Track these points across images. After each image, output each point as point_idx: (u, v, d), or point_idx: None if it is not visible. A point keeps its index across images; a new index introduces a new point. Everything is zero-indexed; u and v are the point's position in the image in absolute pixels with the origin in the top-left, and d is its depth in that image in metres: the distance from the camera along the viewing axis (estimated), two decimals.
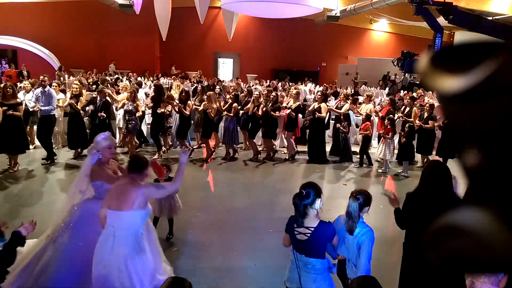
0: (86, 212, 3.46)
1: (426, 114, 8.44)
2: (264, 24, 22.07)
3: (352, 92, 14.82)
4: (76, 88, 7.94)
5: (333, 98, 12.32)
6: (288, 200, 6.90)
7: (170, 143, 9.34)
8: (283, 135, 9.51)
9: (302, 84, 17.92)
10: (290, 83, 16.54)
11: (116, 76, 15.61)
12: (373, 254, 3.01)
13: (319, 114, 8.41)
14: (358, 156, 8.75)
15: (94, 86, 10.17)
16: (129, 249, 2.88)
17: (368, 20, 22.86)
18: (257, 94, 8.75)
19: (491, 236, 0.42)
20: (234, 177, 7.62)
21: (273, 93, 8.82)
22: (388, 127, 8.01)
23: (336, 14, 17.46)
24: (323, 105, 8.51)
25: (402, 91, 16.96)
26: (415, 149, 8.37)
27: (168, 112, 8.58)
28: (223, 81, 16.42)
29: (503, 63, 0.41)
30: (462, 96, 0.43)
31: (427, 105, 8.79)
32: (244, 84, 15.07)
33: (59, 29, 18.99)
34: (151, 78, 16.42)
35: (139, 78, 15.18)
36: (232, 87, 9.68)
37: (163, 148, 8.68)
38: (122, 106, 8.21)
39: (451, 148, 7.90)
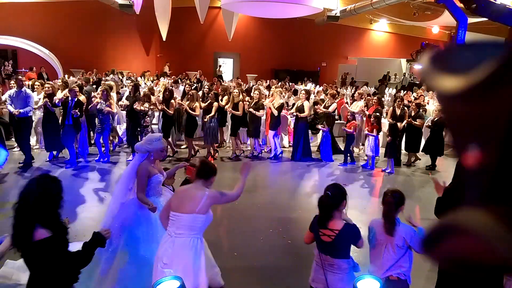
0: (135, 210, 3.47)
1: (413, 113, 8.51)
2: (264, 24, 22.04)
3: (352, 93, 14.83)
4: (49, 88, 7.76)
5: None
6: (287, 200, 6.82)
7: None
8: (267, 135, 9.48)
9: (302, 84, 17.91)
10: (290, 83, 16.54)
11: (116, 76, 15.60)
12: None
13: (300, 114, 8.55)
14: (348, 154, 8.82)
15: (95, 86, 10.13)
16: (188, 254, 2.84)
17: (368, 20, 22.86)
18: (236, 92, 8.76)
19: (493, 237, 0.42)
20: (227, 176, 7.61)
21: (256, 92, 8.87)
22: (374, 124, 8.07)
23: (336, 14, 17.46)
24: (306, 103, 8.57)
25: (402, 91, 16.97)
26: (399, 147, 8.47)
27: (145, 109, 8.35)
28: (223, 81, 16.41)
29: (503, 62, 0.41)
30: (462, 96, 0.43)
31: (413, 104, 8.88)
32: (244, 84, 15.08)
33: (59, 29, 18.94)
34: (151, 78, 16.42)
35: (139, 79, 15.19)
36: (220, 88, 9.71)
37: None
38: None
39: (438, 145, 8.30)
